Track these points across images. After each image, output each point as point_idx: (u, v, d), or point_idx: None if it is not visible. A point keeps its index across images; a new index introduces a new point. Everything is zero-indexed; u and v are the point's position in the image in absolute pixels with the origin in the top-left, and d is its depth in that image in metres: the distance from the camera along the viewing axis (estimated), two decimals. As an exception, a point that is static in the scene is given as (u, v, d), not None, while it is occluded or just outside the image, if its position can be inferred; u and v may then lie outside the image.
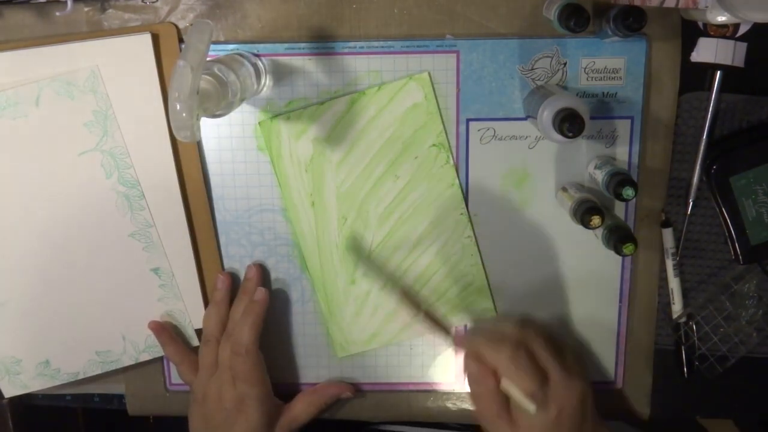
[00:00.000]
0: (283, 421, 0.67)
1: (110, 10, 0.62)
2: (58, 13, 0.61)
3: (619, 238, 0.59)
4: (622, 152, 0.65)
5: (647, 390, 0.71)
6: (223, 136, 0.65)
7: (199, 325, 0.68)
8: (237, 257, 0.68)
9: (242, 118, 0.65)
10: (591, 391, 0.58)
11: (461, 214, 0.67)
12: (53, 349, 0.68)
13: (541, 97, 0.59)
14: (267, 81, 0.63)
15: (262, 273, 0.68)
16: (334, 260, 0.68)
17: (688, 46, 0.63)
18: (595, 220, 0.59)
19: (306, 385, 0.71)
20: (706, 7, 0.57)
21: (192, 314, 0.68)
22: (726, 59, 0.63)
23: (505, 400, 0.56)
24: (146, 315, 0.68)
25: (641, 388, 0.71)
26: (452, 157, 0.65)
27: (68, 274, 0.66)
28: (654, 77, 0.63)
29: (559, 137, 0.56)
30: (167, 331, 0.67)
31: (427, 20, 0.62)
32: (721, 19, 0.59)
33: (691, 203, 0.66)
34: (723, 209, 0.65)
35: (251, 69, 0.60)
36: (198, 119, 0.47)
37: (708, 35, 0.63)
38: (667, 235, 0.67)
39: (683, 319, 0.69)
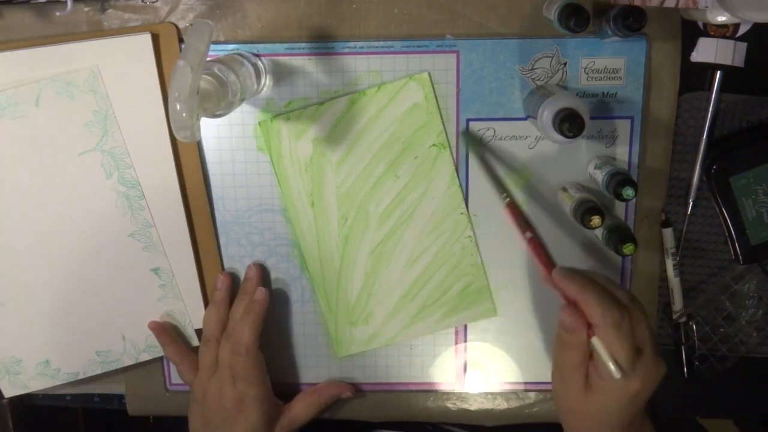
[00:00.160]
0: (283, 421, 0.67)
1: (110, 10, 0.62)
2: (58, 13, 0.61)
3: (619, 238, 0.59)
4: (622, 152, 0.65)
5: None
6: (223, 136, 0.65)
7: (199, 325, 0.68)
8: (237, 257, 0.68)
9: (242, 118, 0.65)
10: None
11: (461, 214, 0.67)
12: (53, 349, 0.68)
13: (541, 97, 0.59)
14: (267, 81, 0.63)
15: (262, 273, 0.68)
16: (334, 260, 0.68)
17: (688, 46, 0.63)
18: (595, 220, 0.59)
19: (306, 385, 0.71)
20: (706, 7, 0.57)
21: (192, 314, 0.68)
22: (726, 59, 0.63)
23: (588, 356, 0.54)
24: (146, 315, 0.68)
25: (641, 388, 0.71)
26: (452, 157, 0.65)
27: (68, 274, 0.66)
28: (654, 77, 0.63)
29: (559, 137, 0.56)
30: (167, 331, 0.67)
31: (427, 20, 0.62)
32: (721, 19, 0.59)
33: (691, 203, 0.66)
34: (723, 209, 0.65)
35: (251, 69, 0.60)
36: (198, 119, 0.47)
37: (708, 35, 0.63)
38: (667, 235, 0.67)
39: (683, 319, 0.69)
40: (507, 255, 0.68)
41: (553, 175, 0.66)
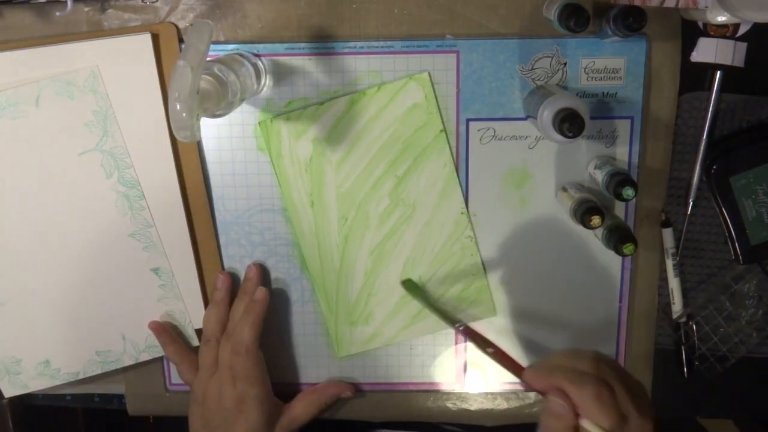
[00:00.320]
0: (283, 421, 0.67)
1: (110, 10, 0.62)
2: (58, 13, 0.61)
3: (619, 238, 0.59)
4: (622, 152, 0.65)
5: (647, 390, 0.71)
6: (223, 136, 0.65)
7: (199, 325, 0.68)
8: (237, 257, 0.68)
9: (242, 118, 0.65)
10: None
11: (461, 214, 0.67)
12: (53, 349, 0.68)
13: (541, 97, 0.59)
14: (267, 81, 0.63)
15: (262, 273, 0.68)
16: (334, 260, 0.68)
17: (688, 46, 0.63)
18: (595, 220, 0.59)
19: (306, 385, 0.71)
20: (706, 7, 0.57)
21: (192, 314, 0.68)
22: (726, 59, 0.63)
23: None
24: (146, 315, 0.68)
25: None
26: (452, 157, 0.65)
27: (68, 274, 0.66)
28: (654, 77, 0.63)
29: (559, 137, 0.56)
30: (167, 331, 0.67)
31: (427, 20, 0.62)
32: (721, 19, 0.59)
33: (691, 203, 0.66)
34: (723, 209, 0.65)
35: (251, 69, 0.60)
36: (198, 119, 0.47)
37: (708, 35, 0.63)
38: (667, 235, 0.67)
39: (683, 319, 0.69)
40: (507, 255, 0.68)
41: (553, 175, 0.66)
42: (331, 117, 0.64)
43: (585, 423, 0.52)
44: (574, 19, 0.55)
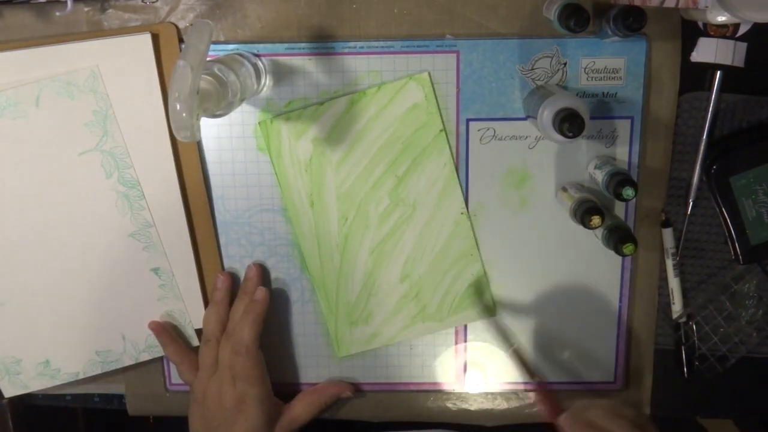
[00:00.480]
0: (283, 421, 0.67)
1: (110, 10, 0.62)
2: (58, 13, 0.61)
3: (619, 238, 0.59)
4: (622, 152, 0.65)
5: (647, 390, 0.71)
6: (223, 136, 0.65)
7: (199, 325, 0.68)
8: (237, 257, 0.68)
9: (242, 118, 0.65)
10: None
11: (461, 214, 0.67)
12: (53, 349, 0.68)
13: (541, 97, 0.59)
14: (267, 81, 0.63)
15: (262, 273, 0.68)
16: (334, 260, 0.68)
17: (688, 46, 0.63)
18: (595, 220, 0.59)
19: (306, 385, 0.71)
20: (706, 7, 0.57)
21: (192, 314, 0.68)
22: (726, 59, 0.63)
23: None
24: (146, 315, 0.68)
25: (641, 388, 0.71)
26: (452, 157, 0.65)
27: (68, 273, 0.66)
28: (654, 77, 0.63)
29: (559, 137, 0.56)
30: (167, 331, 0.67)
31: (427, 20, 0.62)
32: (721, 19, 0.59)
33: (691, 203, 0.66)
34: (723, 209, 0.65)
35: (251, 69, 0.60)
36: (198, 119, 0.47)
37: (708, 35, 0.63)
38: (667, 235, 0.67)
39: (683, 319, 0.69)
40: (507, 255, 0.68)
41: (553, 175, 0.66)
42: (331, 117, 0.64)
43: None
44: (574, 19, 0.55)
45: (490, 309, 0.68)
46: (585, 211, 0.59)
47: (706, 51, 0.63)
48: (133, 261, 0.66)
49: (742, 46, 0.63)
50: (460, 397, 0.72)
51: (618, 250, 0.59)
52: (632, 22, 0.55)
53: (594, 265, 0.68)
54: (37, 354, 0.69)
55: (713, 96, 0.64)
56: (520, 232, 0.67)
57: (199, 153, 0.65)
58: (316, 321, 0.70)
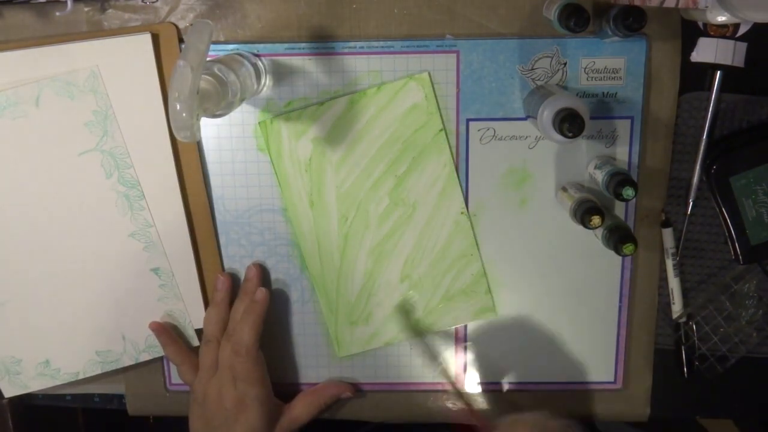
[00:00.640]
0: (283, 421, 0.67)
1: (110, 10, 0.62)
2: (58, 13, 0.61)
3: (619, 238, 0.59)
4: (622, 152, 0.65)
5: (647, 390, 0.71)
6: (223, 136, 0.65)
7: (199, 325, 0.68)
8: (237, 257, 0.68)
9: (242, 118, 0.65)
10: None
11: (461, 214, 0.67)
12: (53, 349, 0.68)
13: (541, 97, 0.59)
14: (267, 81, 0.63)
15: (262, 273, 0.68)
16: (334, 260, 0.68)
17: (688, 46, 0.63)
18: (595, 220, 0.59)
19: (306, 385, 0.71)
20: (706, 7, 0.57)
21: (192, 314, 0.68)
22: (726, 59, 0.63)
23: None
24: (146, 315, 0.68)
25: (641, 388, 0.71)
26: (452, 157, 0.65)
27: (68, 273, 0.66)
28: (654, 77, 0.63)
29: (559, 137, 0.56)
30: (168, 331, 0.67)
31: (427, 20, 0.62)
32: (721, 19, 0.59)
33: (691, 203, 0.66)
34: (723, 209, 0.65)
35: (251, 69, 0.60)
36: (198, 119, 0.47)
37: (708, 35, 0.63)
38: (667, 235, 0.67)
39: (683, 319, 0.69)
40: (507, 255, 0.68)
41: (553, 175, 0.66)
42: (331, 117, 0.64)
43: None
44: (574, 19, 0.55)
45: (419, 331, 0.69)
46: (585, 211, 0.59)
47: (706, 51, 0.63)
48: (133, 261, 0.66)
49: (742, 46, 0.63)
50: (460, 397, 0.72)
51: (618, 250, 0.59)
52: (632, 22, 0.55)
53: (594, 265, 0.68)
54: (37, 354, 0.69)
55: (713, 96, 0.64)
56: (520, 232, 0.67)
57: (199, 153, 0.65)
58: (316, 321, 0.70)
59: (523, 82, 0.64)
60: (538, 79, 0.63)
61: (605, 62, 0.63)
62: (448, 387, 0.69)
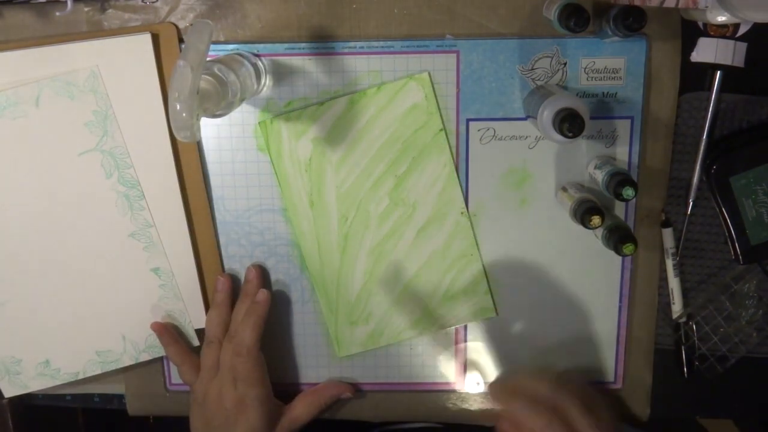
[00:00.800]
0: (283, 421, 0.67)
1: (110, 10, 0.62)
2: (58, 13, 0.61)
3: (619, 238, 0.59)
4: (622, 152, 0.65)
5: (647, 390, 0.71)
6: (223, 136, 0.65)
7: (199, 325, 0.68)
8: (237, 257, 0.68)
9: (242, 118, 0.65)
10: None
11: (461, 213, 0.67)
12: (53, 349, 0.68)
13: (541, 97, 0.59)
14: (267, 81, 0.63)
15: (262, 274, 0.68)
16: (334, 260, 0.68)
17: (688, 46, 0.63)
18: (595, 220, 0.59)
19: (306, 385, 0.71)
20: (706, 7, 0.57)
21: (192, 314, 0.68)
22: (726, 59, 0.63)
23: None
24: (146, 315, 0.68)
25: (641, 388, 0.71)
26: (452, 157, 0.65)
27: (68, 274, 0.66)
28: (654, 77, 0.63)
29: (559, 137, 0.56)
30: (169, 332, 0.67)
31: (427, 20, 0.62)
32: (721, 19, 0.59)
33: (691, 203, 0.66)
34: (723, 209, 0.65)
35: (251, 69, 0.60)
36: (198, 119, 0.47)
37: (708, 35, 0.63)
38: (667, 235, 0.67)
39: (683, 319, 0.69)
40: (507, 255, 0.68)
41: (553, 175, 0.66)
42: (331, 117, 0.64)
43: None
44: (574, 19, 0.55)
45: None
46: (585, 211, 0.59)
47: (706, 51, 0.63)
48: (133, 261, 0.66)
49: (742, 46, 0.63)
50: (460, 397, 0.72)
51: (618, 250, 0.59)
52: (632, 22, 0.55)
53: (594, 265, 0.68)
54: (37, 354, 0.69)
55: (713, 96, 0.64)
56: (520, 232, 0.67)
57: (199, 153, 0.65)
58: (316, 321, 0.70)
59: (523, 82, 0.64)
60: (538, 79, 0.63)
61: (605, 62, 0.63)
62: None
